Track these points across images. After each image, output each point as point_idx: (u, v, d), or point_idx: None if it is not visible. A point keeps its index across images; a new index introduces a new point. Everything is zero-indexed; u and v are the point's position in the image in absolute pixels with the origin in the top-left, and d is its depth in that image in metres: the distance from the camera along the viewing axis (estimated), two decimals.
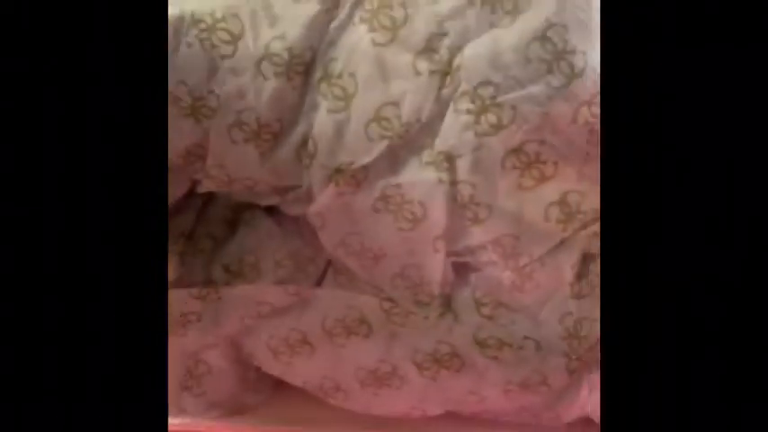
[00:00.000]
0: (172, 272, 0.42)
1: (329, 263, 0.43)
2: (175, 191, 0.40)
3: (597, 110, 0.35)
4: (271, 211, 0.43)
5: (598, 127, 0.35)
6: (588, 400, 0.43)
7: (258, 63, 0.37)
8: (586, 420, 0.44)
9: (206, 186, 0.40)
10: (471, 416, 0.45)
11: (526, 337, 0.41)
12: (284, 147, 0.38)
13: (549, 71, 0.35)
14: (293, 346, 0.43)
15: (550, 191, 0.37)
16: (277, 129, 0.38)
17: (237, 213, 0.43)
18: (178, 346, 0.43)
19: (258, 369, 0.45)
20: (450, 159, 0.37)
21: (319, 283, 0.43)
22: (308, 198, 0.39)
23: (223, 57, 0.37)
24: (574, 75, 0.35)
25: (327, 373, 0.44)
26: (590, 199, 0.37)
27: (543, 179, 0.37)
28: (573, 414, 0.44)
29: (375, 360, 0.42)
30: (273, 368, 0.45)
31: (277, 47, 0.36)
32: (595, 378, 0.42)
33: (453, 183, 0.37)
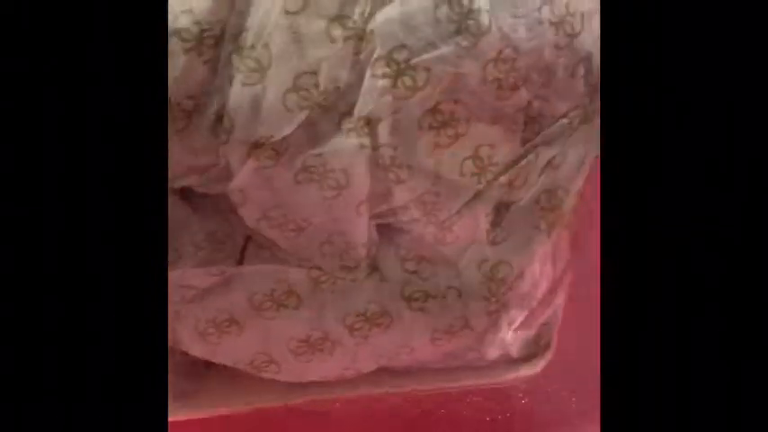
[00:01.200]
0: None
1: (248, 239, 0.43)
2: None
3: (504, 66, 0.36)
4: (182, 194, 0.42)
5: (505, 83, 0.37)
6: (506, 337, 0.46)
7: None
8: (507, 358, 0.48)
9: None
10: (402, 369, 0.48)
11: (449, 287, 0.42)
12: (199, 125, 0.37)
13: (458, 32, 0.36)
14: (220, 326, 0.43)
15: (464, 147, 0.39)
16: (190, 106, 0.37)
17: None
18: None
19: (184, 354, 0.45)
20: (370, 124, 0.37)
21: (240, 260, 0.43)
22: (227, 175, 0.39)
23: None
24: (480, 33, 0.36)
25: (258, 348, 0.44)
26: (500, 151, 0.39)
27: (457, 136, 0.38)
28: (495, 352, 0.47)
29: (307, 329, 0.43)
30: (202, 351, 0.44)
31: (185, 22, 0.35)
32: (513, 315, 0.45)
33: (375, 147, 0.38)
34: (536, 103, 0.39)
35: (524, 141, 0.40)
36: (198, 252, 0.42)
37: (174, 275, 0.41)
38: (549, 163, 0.41)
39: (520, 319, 0.46)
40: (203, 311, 0.42)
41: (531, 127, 0.40)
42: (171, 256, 0.42)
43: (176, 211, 0.42)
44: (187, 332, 0.43)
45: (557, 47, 0.38)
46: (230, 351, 0.44)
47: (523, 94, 0.38)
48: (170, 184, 0.40)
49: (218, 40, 0.36)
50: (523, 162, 0.40)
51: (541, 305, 0.47)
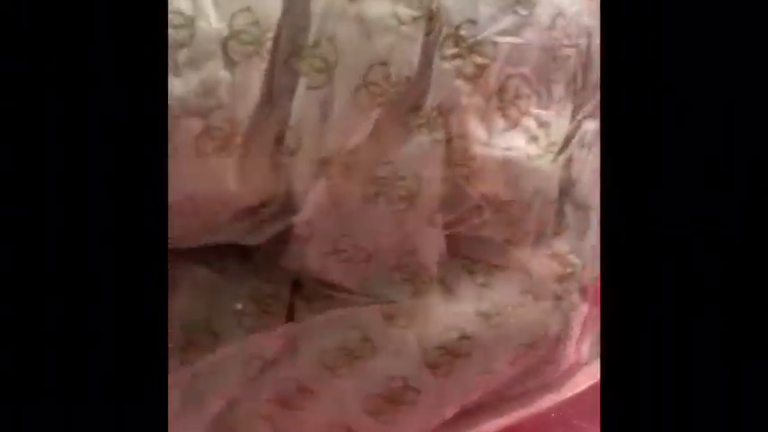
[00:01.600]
0: None
1: (293, 292, 0.38)
2: None
3: (558, 33, 0.36)
4: (203, 260, 0.37)
5: (561, 52, 0.36)
6: (577, 336, 0.42)
7: (224, 45, 0.31)
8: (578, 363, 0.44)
9: (173, 229, 0.33)
10: (474, 406, 0.42)
11: (523, 292, 0.39)
12: (257, 149, 0.33)
13: (517, 1, 0.35)
14: (290, 401, 0.37)
15: (527, 126, 0.37)
16: (248, 127, 0.32)
17: None
18: None
19: None
20: (443, 115, 0.35)
21: (291, 319, 0.38)
22: (286, 210, 0.35)
23: (178, 45, 0.30)
24: (536, 2, 0.36)
25: (334, 417, 0.39)
26: (558, 126, 0.38)
27: (522, 114, 0.37)
28: (568, 359, 0.43)
29: (385, 380, 0.38)
30: None
31: (244, 22, 0.31)
32: (582, 310, 0.41)
33: (448, 139, 0.35)
34: (579, 73, 0.38)
35: (576, 108, 0.39)
36: (241, 320, 0.37)
37: (234, 350, 0.36)
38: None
39: (587, 314, 0.43)
40: (264, 389, 0.37)
41: (578, 101, 0.39)
42: (204, 337, 0.36)
43: (199, 282, 0.37)
44: (251, 420, 0.37)
45: (590, 13, 0.38)
46: (303, 430, 0.39)
47: (573, 61, 0.37)
48: (215, 238, 0.35)
49: (277, 43, 0.32)
50: (576, 138, 0.39)
51: None
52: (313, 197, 0.34)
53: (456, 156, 0.36)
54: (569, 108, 0.39)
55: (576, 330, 0.42)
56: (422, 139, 0.35)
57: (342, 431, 0.39)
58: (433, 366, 0.38)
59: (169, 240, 0.31)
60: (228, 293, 0.37)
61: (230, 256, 0.37)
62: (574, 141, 0.39)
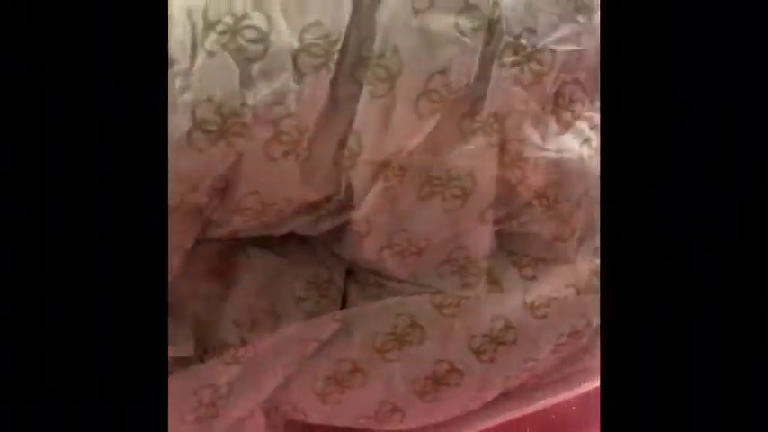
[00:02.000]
0: (187, 350, 0.38)
1: (347, 278, 0.41)
2: (188, 239, 0.36)
3: None
4: (264, 245, 0.40)
5: None
6: None
7: (294, 58, 0.32)
8: None
9: (232, 225, 0.36)
10: (515, 390, 0.44)
11: (567, 285, 0.40)
12: (321, 152, 0.35)
13: (577, 9, 0.36)
14: (343, 380, 0.40)
15: (580, 130, 0.38)
16: (313, 132, 0.34)
17: (226, 262, 0.40)
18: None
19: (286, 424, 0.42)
20: (499, 120, 0.36)
21: (344, 303, 0.41)
22: (346, 207, 0.37)
23: (251, 59, 0.32)
24: (594, 7, 0.36)
25: (383, 396, 0.41)
26: None
27: (575, 118, 0.38)
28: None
29: (432, 363, 0.40)
30: (322, 414, 0.41)
31: (314, 35, 0.32)
32: None
33: (503, 143, 0.36)
34: None
35: None
36: (300, 304, 0.39)
37: (292, 330, 0.38)
38: None
39: None
40: (321, 368, 0.40)
41: None
42: (267, 317, 0.39)
43: (264, 266, 0.40)
44: (305, 396, 0.40)
45: None
46: (353, 407, 0.41)
47: None
48: (277, 230, 0.38)
49: (343, 54, 0.33)
50: None
51: None
52: (372, 196, 0.36)
53: (509, 158, 0.37)
54: None
55: None
56: (477, 141, 0.36)
57: (389, 408, 0.41)
58: (478, 352, 0.40)
59: (233, 230, 0.36)
60: (289, 277, 0.39)
61: (291, 242, 0.40)
62: None
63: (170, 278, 0.36)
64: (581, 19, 0.36)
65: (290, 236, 0.40)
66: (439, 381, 0.41)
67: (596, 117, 0.39)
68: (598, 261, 0.41)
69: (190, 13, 0.32)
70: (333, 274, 0.40)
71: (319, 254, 0.40)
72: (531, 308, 0.40)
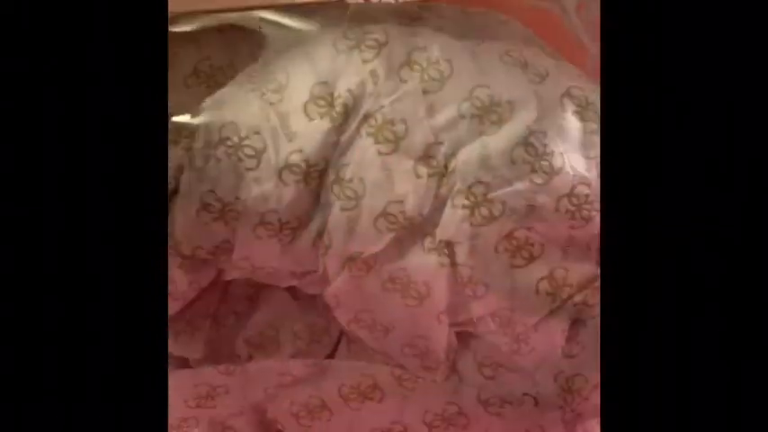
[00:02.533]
0: (199, 351, 0.44)
1: (341, 333, 0.45)
2: (203, 280, 0.43)
3: (577, 200, 0.39)
4: (288, 288, 0.45)
5: (577, 214, 0.39)
6: None
7: (279, 173, 0.40)
8: None
9: (232, 275, 0.43)
10: None
11: (525, 394, 0.43)
12: (302, 239, 0.41)
13: (533, 170, 0.39)
14: (313, 411, 0.45)
15: (539, 268, 0.40)
16: (296, 225, 0.41)
17: (258, 290, 0.46)
18: (207, 417, 0.45)
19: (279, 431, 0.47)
20: (449, 246, 0.40)
21: (333, 351, 0.46)
22: (324, 281, 0.42)
23: (248, 169, 0.40)
24: (554, 172, 0.39)
25: None
26: (574, 274, 0.40)
27: (532, 258, 0.40)
28: None
29: (388, 422, 0.45)
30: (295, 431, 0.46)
31: (295, 159, 0.40)
32: (589, 426, 0.44)
33: (453, 265, 0.40)
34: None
35: (598, 263, 0.40)
36: (296, 341, 0.45)
37: (274, 365, 0.44)
38: None
39: (597, 429, 0.46)
40: (297, 396, 0.45)
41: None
42: (270, 344, 0.45)
43: (280, 303, 0.45)
44: (281, 413, 0.46)
45: None
46: None
47: (596, 223, 0.39)
48: (276, 284, 0.44)
49: (322, 173, 0.41)
50: (597, 282, 0.41)
51: None
52: (340, 280, 0.41)
53: (462, 279, 0.40)
54: (594, 257, 0.41)
55: None
56: (432, 258, 0.40)
57: None
58: (429, 426, 0.44)
59: (258, 278, 0.43)
60: (295, 316, 0.45)
61: (306, 294, 0.45)
62: (596, 285, 0.41)
63: (183, 303, 0.43)
64: (537, 180, 0.39)
65: None
66: None
67: (560, 263, 0.41)
68: (560, 383, 0.43)
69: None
70: (330, 325, 0.45)
71: (322, 307, 0.45)
72: (486, 404, 0.43)
